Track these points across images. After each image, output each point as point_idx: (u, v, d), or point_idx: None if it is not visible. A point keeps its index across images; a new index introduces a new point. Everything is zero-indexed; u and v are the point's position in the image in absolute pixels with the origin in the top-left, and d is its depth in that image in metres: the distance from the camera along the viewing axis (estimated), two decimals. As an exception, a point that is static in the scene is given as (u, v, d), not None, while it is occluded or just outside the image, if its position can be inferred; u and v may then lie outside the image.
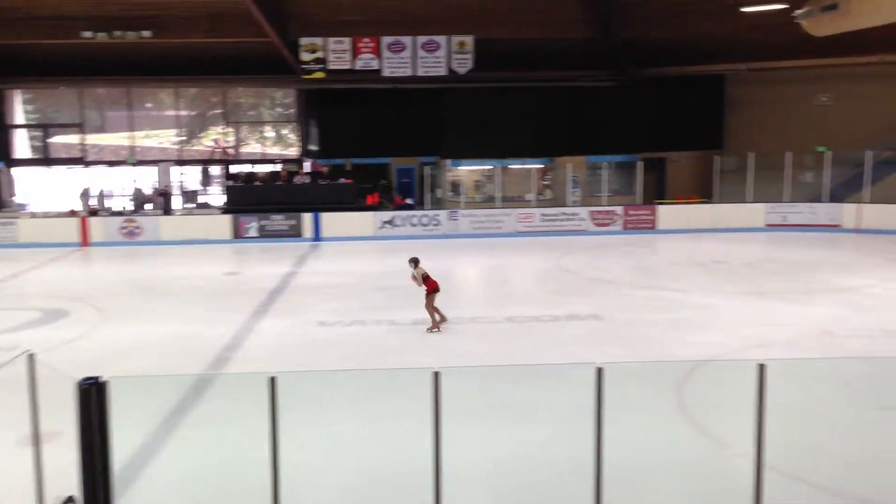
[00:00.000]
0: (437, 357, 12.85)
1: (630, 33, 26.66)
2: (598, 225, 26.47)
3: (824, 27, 20.21)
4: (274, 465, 6.56)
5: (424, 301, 14.70)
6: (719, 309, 16.18)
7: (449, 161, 29.02)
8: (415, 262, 14.98)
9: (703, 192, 28.13)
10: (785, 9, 21.30)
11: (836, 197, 26.25)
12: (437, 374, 6.55)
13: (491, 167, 28.89)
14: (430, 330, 14.67)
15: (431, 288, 14.69)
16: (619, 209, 26.68)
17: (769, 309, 16.08)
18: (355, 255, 23.45)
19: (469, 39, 26.28)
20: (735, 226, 25.83)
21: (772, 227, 25.90)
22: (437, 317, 14.68)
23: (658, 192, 29.35)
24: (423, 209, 27.37)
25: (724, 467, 9.19)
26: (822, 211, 25.81)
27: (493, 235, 26.03)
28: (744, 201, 26.46)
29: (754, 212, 26.18)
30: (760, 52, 26.79)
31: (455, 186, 29.07)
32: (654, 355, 13.02)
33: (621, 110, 29.00)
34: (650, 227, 26.43)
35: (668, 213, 26.64)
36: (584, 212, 26.73)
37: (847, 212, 25.47)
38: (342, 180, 27.76)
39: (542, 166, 29.41)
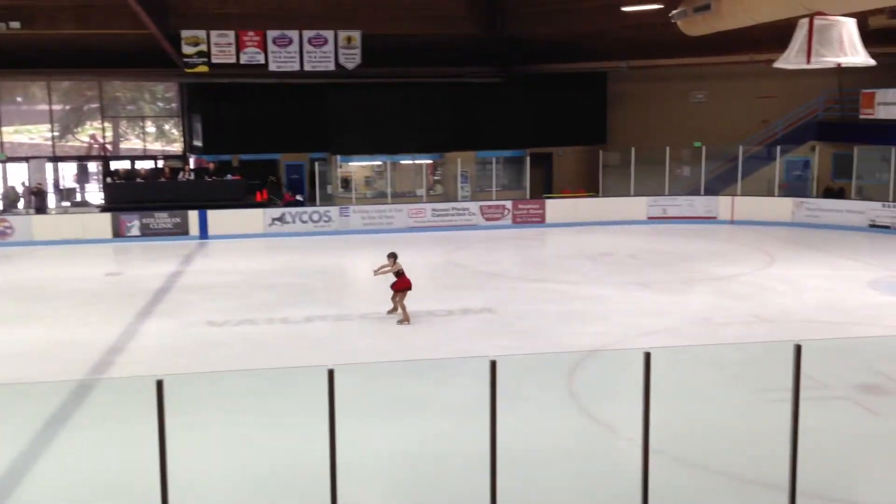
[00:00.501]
0: (331, 354, 12.73)
1: (515, 30, 27.09)
2: (489, 219, 26.81)
3: (698, 27, 21.06)
4: (162, 470, 6.35)
5: (394, 296, 15.03)
6: (606, 300, 16.67)
7: (339, 157, 28.77)
8: (393, 256, 15.25)
9: (589, 187, 28.90)
10: (662, 9, 22.10)
11: (711, 190, 27.47)
12: (331, 372, 6.48)
13: (381, 163, 28.82)
14: (400, 322, 14.86)
15: (401, 286, 14.97)
16: (508, 203, 27.09)
17: (652, 299, 16.68)
18: (244, 253, 22.93)
19: (356, 34, 26.08)
20: (619, 218, 26.65)
21: (653, 219, 26.88)
22: (403, 311, 14.91)
23: (546, 187, 29.96)
24: (313, 206, 27.03)
25: (614, 452, 9.49)
26: (699, 203, 26.95)
27: (384, 231, 25.97)
28: (627, 195, 27.34)
29: (637, 205, 27.09)
30: (640, 51, 27.73)
31: (346, 182, 28.84)
32: (545, 346, 13.30)
33: (508, 106, 29.43)
34: (539, 220, 26.96)
35: (556, 207, 27.23)
36: (474, 206, 27.01)
37: (722, 204, 26.68)
38: (229, 177, 27.09)
39: (432, 162, 29.55)
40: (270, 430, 9.80)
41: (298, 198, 28.45)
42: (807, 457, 7.03)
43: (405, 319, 14.90)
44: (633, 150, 27.10)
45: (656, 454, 6.94)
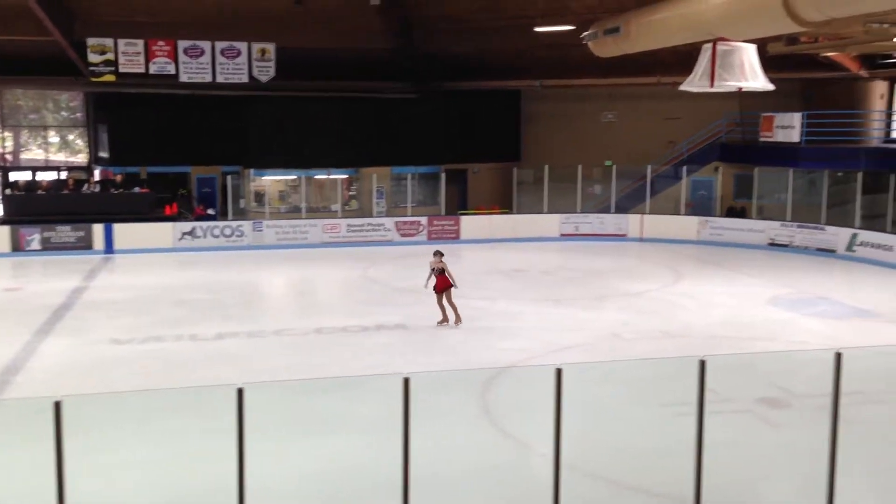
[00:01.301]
0: (242, 372, 12.46)
1: (431, 47, 27.26)
2: (404, 235, 26.80)
3: (608, 49, 21.62)
4: (60, 497, 6.07)
5: (438, 299, 15.56)
6: (520, 316, 16.84)
7: (252, 171, 28.32)
8: (438, 255, 15.73)
9: (503, 203, 29.23)
10: (574, 30, 22.61)
11: (621, 208, 28.15)
12: (240, 391, 6.34)
13: (296, 177, 28.50)
14: (439, 323, 15.58)
15: (440, 286, 15.43)
16: (423, 219, 27.15)
17: (565, 315, 16.94)
18: (152, 268, 22.28)
19: (271, 47, 25.76)
20: (533, 235, 27.02)
21: (566, 236, 27.34)
22: (447, 313, 15.53)
23: (461, 203, 30.17)
24: (226, 220, 26.51)
25: (528, 468, 9.56)
26: (610, 221, 27.57)
27: (298, 246, 25.67)
28: (541, 212, 27.75)
29: (550, 222, 27.52)
30: (553, 70, 28.28)
31: (259, 197, 28.40)
32: (459, 363, 13.34)
33: (424, 122, 29.55)
34: (454, 236, 27.09)
35: (470, 224, 27.42)
36: (389, 222, 26.97)
37: (632, 222, 27.36)
38: (137, 189, 26.32)
39: (348, 177, 29.40)
40: (177, 452, 9.51)
41: (210, 212, 27.88)
42: (711, 469, 7.22)
43: (444, 320, 15.53)
44: (546, 167, 27.55)
45: (569, 469, 7.02)
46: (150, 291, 19.07)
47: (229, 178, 27.29)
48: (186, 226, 25.38)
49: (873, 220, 23.67)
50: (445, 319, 15.58)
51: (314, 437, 10.03)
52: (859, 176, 23.94)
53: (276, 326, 15.79)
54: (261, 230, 25.80)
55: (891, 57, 25.59)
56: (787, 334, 15.40)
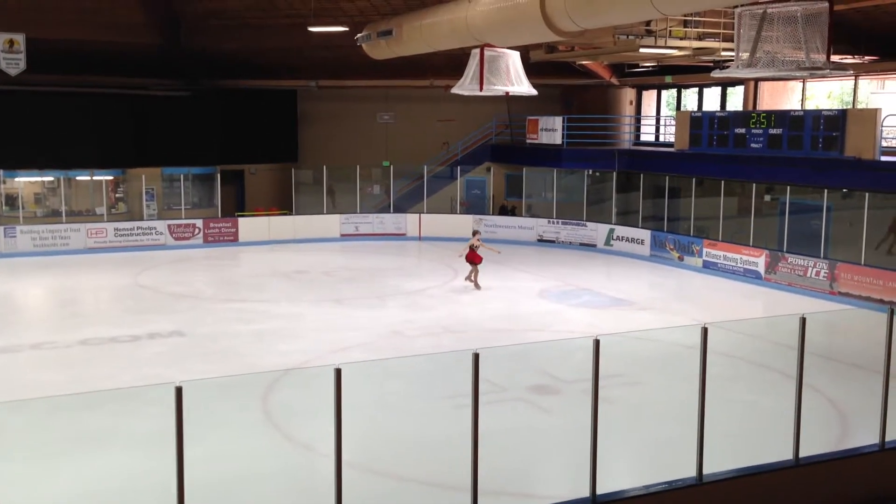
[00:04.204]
0: (-6, 393, 11.38)
1: (201, 43, 26.26)
2: (178, 239, 25.66)
3: (382, 51, 21.94)
4: None
5: None
6: (302, 317, 16.70)
7: (2, 172, 25.88)
8: (476, 234, 19.87)
9: (282, 205, 28.79)
10: (348, 31, 22.70)
11: (400, 208, 28.68)
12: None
13: (54, 179, 26.38)
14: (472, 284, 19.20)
15: (468, 259, 19.15)
16: (199, 222, 26.14)
17: (347, 315, 17.01)
18: None
19: (20, 38, 23.61)
20: (314, 236, 26.85)
21: (346, 236, 27.43)
22: (473, 279, 19.15)
23: (238, 205, 29.36)
24: (-30, 226, 24.05)
25: (311, 470, 9.51)
26: (389, 221, 28.00)
27: (59, 253, 23.82)
28: (320, 213, 27.65)
29: (330, 222, 27.48)
30: (329, 71, 28.25)
31: (11, 200, 26.01)
32: (239, 368, 12.99)
33: (196, 121, 28.38)
34: (232, 239, 26.34)
35: (249, 226, 26.78)
36: (161, 225, 25.71)
37: (410, 221, 27.95)
38: None
39: (114, 178, 27.65)
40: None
41: (-48, 217, 25.17)
42: (489, 457, 7.55)
43: (470, 280, 19.17)
44: (324, 168, 27.48)
45: (352, 468, 7.07)
46: None
47: (-25, 180, 24.80)
48: (-77, 234, 22.77)
49: (627, 217, 25.82)
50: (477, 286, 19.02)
51: (79, 457, 9.38)
52: (614, 175, 26.01)
53: (34, 340, 14.58)
54: (14, 236, 23.69)
55: (637, 66, 28.01)
56: (556, 324, 16.44)
